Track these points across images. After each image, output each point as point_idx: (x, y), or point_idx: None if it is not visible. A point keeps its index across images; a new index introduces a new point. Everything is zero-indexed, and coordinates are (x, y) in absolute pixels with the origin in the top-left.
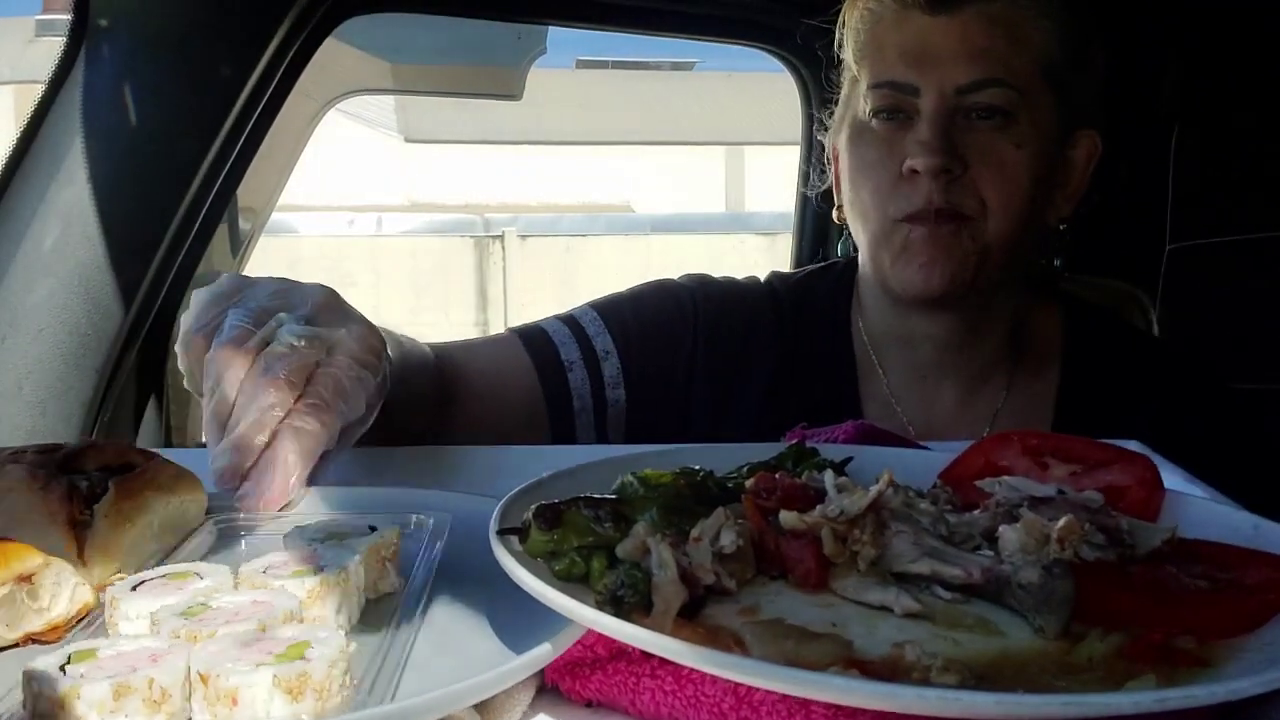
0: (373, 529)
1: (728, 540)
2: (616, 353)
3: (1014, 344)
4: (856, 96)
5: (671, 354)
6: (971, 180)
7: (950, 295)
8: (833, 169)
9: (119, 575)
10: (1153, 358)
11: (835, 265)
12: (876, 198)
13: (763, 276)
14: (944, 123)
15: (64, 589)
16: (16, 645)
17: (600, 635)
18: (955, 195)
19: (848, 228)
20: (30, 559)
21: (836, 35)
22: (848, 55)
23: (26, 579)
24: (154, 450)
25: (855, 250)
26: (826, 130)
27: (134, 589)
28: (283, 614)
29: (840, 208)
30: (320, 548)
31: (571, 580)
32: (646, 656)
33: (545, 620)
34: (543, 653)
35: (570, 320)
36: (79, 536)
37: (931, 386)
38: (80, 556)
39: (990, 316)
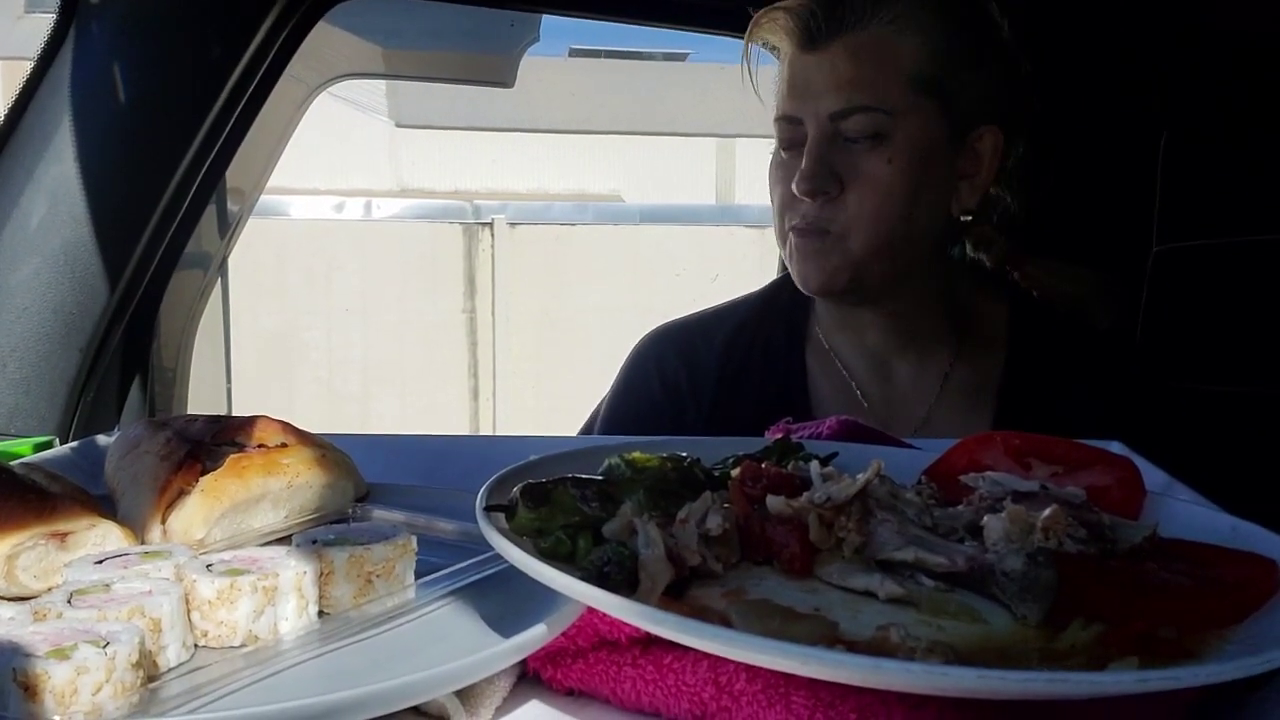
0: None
1: (714, 523)
2: None
3: (955, 325)
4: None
5: (659, 424)
6: (845, 201)
7: (830, 294)
8: None
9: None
10: (1097, 351)
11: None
12: (777, 212)
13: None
14: (821, 150)
15: (107, 550)
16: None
17: (582, 625)
18: (826, 215)
19: None
20: (78, 519)
21: (743, 75)
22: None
23: (61, 535)
24: (316, 434)
25: None
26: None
27: (98, 562)
28: (152, 611)
29: None
30: (306, 548)
31: (557, 558)
32: (628, 646)
33: (530, 609)
34: (528, 638)
35: None
36: (172, 504)
37: (881, 363)
38: (164, 523)
39: (914, 300)
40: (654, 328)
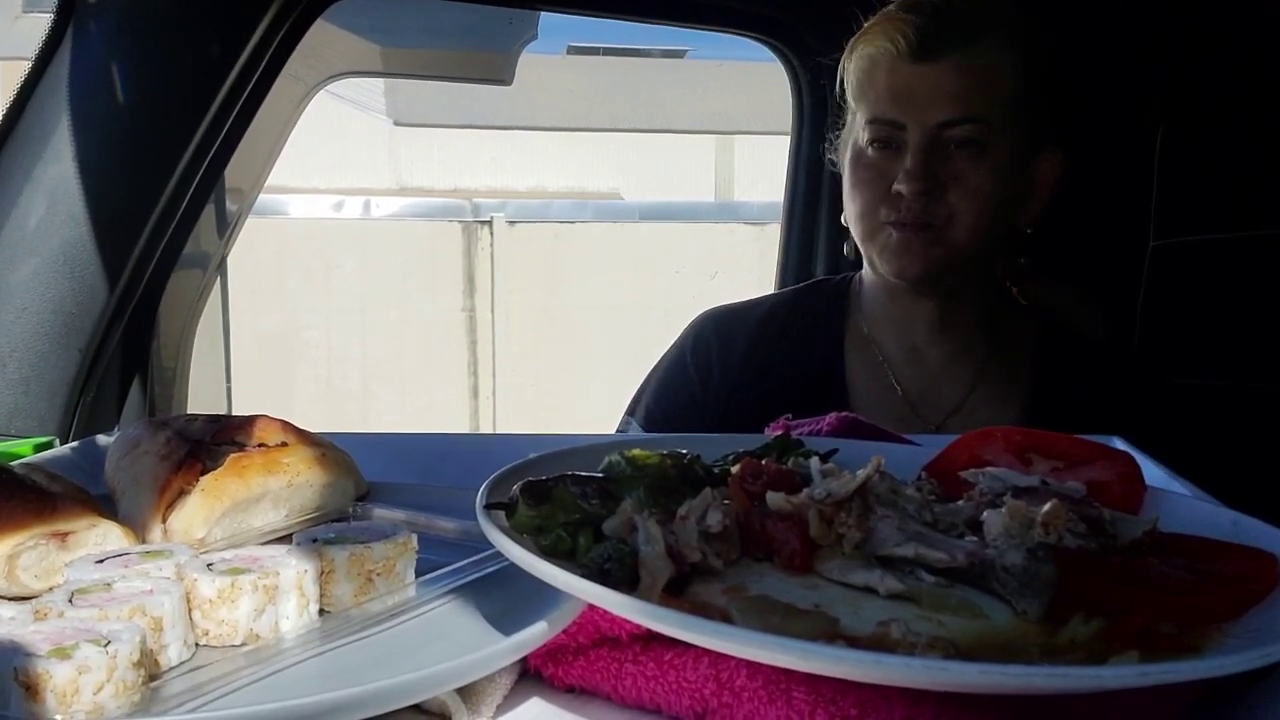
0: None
1: (714, 520)
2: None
3: (989, 332)
4: (856, 127)
5: (690, 405)
6: (946, 199)
7: (925, 282)
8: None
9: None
10: (1114, 360)
11: (834, 276)
12: (869, 207)
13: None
14: (926, 154)
15: (108, 549)
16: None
17: (583, 622)
18: (930, 211)
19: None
20: (79, 519)
21: (838, 77)
22: (849, 93)
23: (62, 535)
24: (316, 433)
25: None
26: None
27: (99, 562)
28: (153, 610)
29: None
30: (307, 547)
31: (558, 555)
32: (629, 643)
33: (530, 607)
34: (529, 636)
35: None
36: (172, 503)
37: (921, 353)
38: (164, 523)
39: (967, 300)
40: (700, 315)
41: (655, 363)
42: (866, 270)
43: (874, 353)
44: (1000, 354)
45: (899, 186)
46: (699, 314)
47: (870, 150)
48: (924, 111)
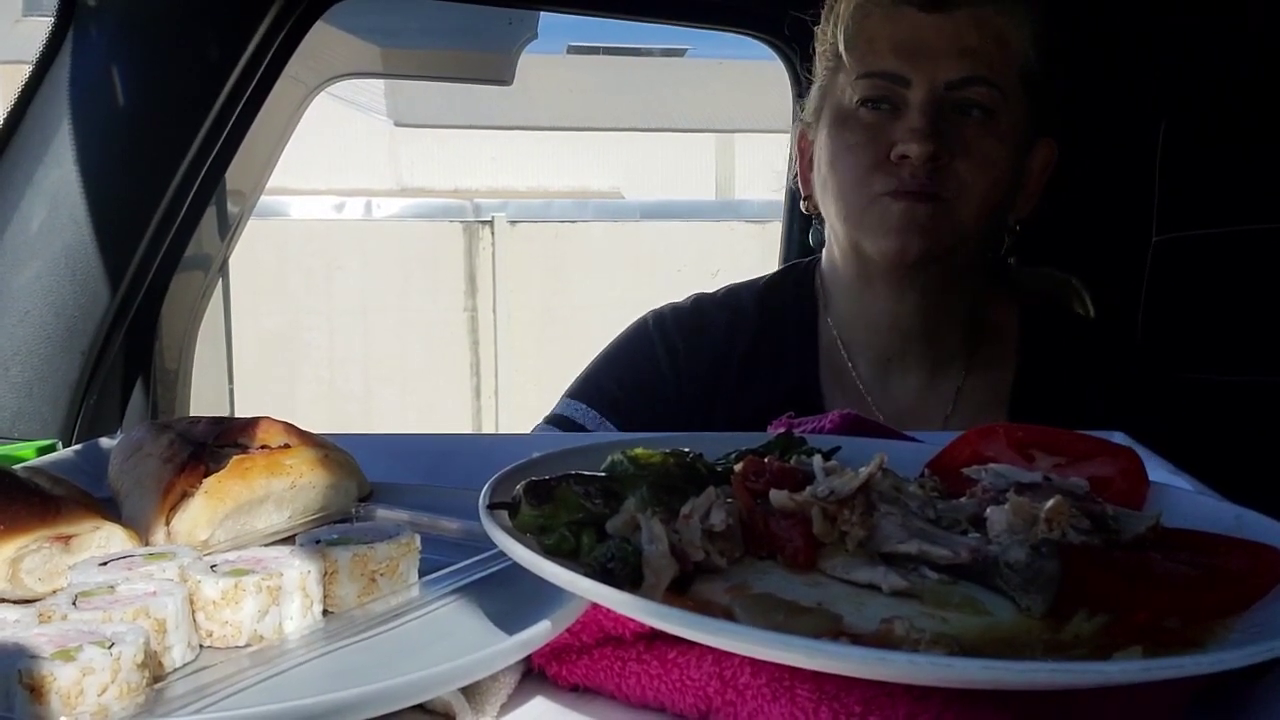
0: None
1: (718, 518)
2: (607, 419)
3: (972, 335)
4: (839, 86)
5: (655, 388)
6: (954, 169)
7: (921, 264)
8: (800, 160)
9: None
10: (1105, 349)
11: (798, 265)
12: (858, 174)
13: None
14: (932, 112)
15: (111, 552)
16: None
17: (587, 621)
18: (937, 180)
19: (818, 217)
20: (82, 521)
21: (823, 26)
22: (838, 46)
23: (65, 539)
24: (319, 435)
25: (823, 242)
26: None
27: (103, 564)
28: (157, 612)
29: (808, 198)
30: (310, 548)
31: (561, 555)
32: (632, 641)
33: (534, 606)
34: (533, 635)
35: (557, 420)
36: (175, 505)
37: (897, 373)
38: (168, 525)
39: (951, 302)
40: (654, 310)
41: (605, 351)
42: (834, 260)
43: (850, 375)
44: (980, 367)
45: (902, 149)
46: (649, 312)
47: (861, 110)
48: (933, 66)
